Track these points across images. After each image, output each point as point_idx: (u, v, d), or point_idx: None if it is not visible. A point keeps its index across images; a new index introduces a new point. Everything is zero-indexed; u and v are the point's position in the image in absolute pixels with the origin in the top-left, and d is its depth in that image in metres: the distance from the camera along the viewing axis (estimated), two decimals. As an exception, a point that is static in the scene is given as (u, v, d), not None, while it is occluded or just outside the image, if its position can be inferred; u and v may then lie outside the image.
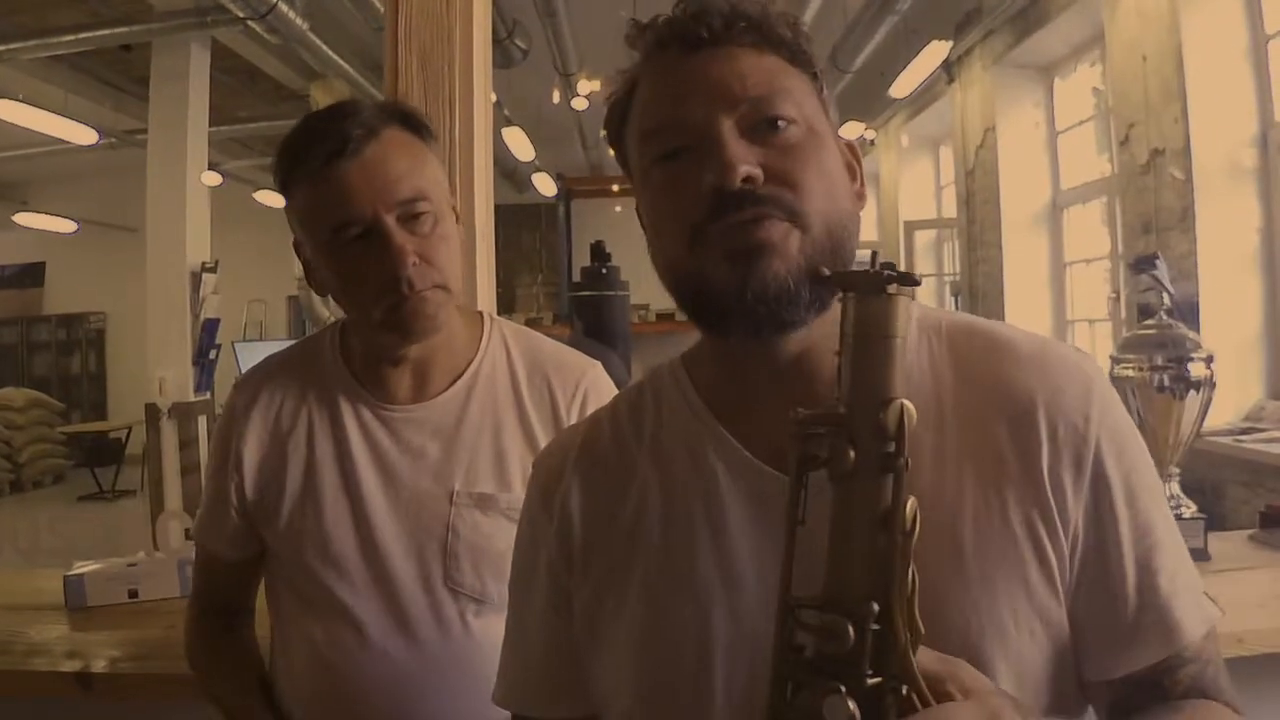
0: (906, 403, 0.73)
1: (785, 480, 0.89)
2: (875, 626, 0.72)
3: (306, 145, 1.33)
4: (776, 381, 0.91)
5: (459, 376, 1.48)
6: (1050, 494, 0.87)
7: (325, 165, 1.31)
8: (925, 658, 0.74)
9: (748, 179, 0.85)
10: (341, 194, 1.31)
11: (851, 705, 0.71)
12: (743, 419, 0.94)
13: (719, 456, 0.94)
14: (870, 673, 0.72)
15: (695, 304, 0.90)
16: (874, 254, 0.76)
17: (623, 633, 0.94)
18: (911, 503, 0.73)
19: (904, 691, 0.72)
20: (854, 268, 0.78)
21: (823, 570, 0.75)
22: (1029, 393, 0.89)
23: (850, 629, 0.72)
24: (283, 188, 1.38)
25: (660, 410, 1.00)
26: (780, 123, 0.88)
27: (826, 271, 0.80)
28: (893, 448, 0.73)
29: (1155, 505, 0.90)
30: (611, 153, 1.02)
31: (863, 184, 0.97)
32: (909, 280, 0.74)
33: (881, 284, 0.74)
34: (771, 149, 0.87)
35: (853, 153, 0.97)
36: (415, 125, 1.40)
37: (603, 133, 1.01)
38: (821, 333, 0.88)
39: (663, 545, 0.93)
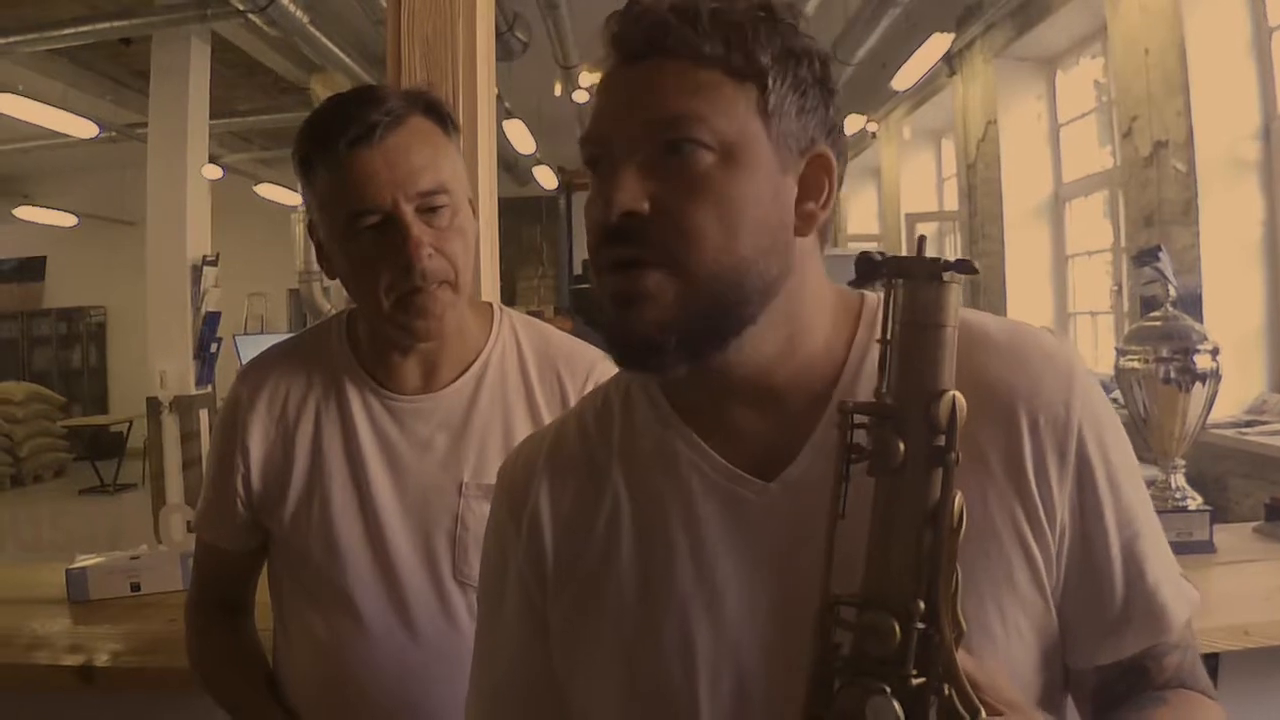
0: (958, 395, 0.71)
1: (762, 485, 0.88)
2: (920, 625, 0.70)
3: (331, 128, 1.31)
4: (740, 394, 0.89)
5: (468, 367, 1.47)
6: (1035, 489, 0.85)
7: (348, 151, 1.30)
8: (967, 665, 0.73)
9: (630, 214, 0.81)
10: (362, 181, 1.30)
11: (897, 706, 0.69)
12: (713, 424, 0.91)
13: (692, 464, 0.91)
14: (914, 673, 0.70)
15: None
16: (922, 239, 0.73)
17: (602, 650, 0.92)
18: (959, 498, 0.72)
19: (947, 692, 0.71)
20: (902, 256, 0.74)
21: (850, 567, 0.73)
22: (1008, 387, 0.87)
23: (896, 627, 0.70)
24: (303, 169, 1.37)
25: (628, 417, 0.97)
26: (686, 147, 0.82)
27: (880, 256, 0.75)
28: (943, 441, 0.71)
29: (1136, 491, 0.89)
30: None
31: (825, 202, 0.88)
32: (966, 268, 0.71)
33: (938, 271, 0.71)
34: (670, 181, 0.82)
35: (821, 165, 0.88)
36: (440, 115, 1.39)
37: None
38: (764, 337, 0.86)
39: (639, 559, 0.91)
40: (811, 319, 0.89)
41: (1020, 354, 0.89)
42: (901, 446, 0.71)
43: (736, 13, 0.85)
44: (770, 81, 0.84)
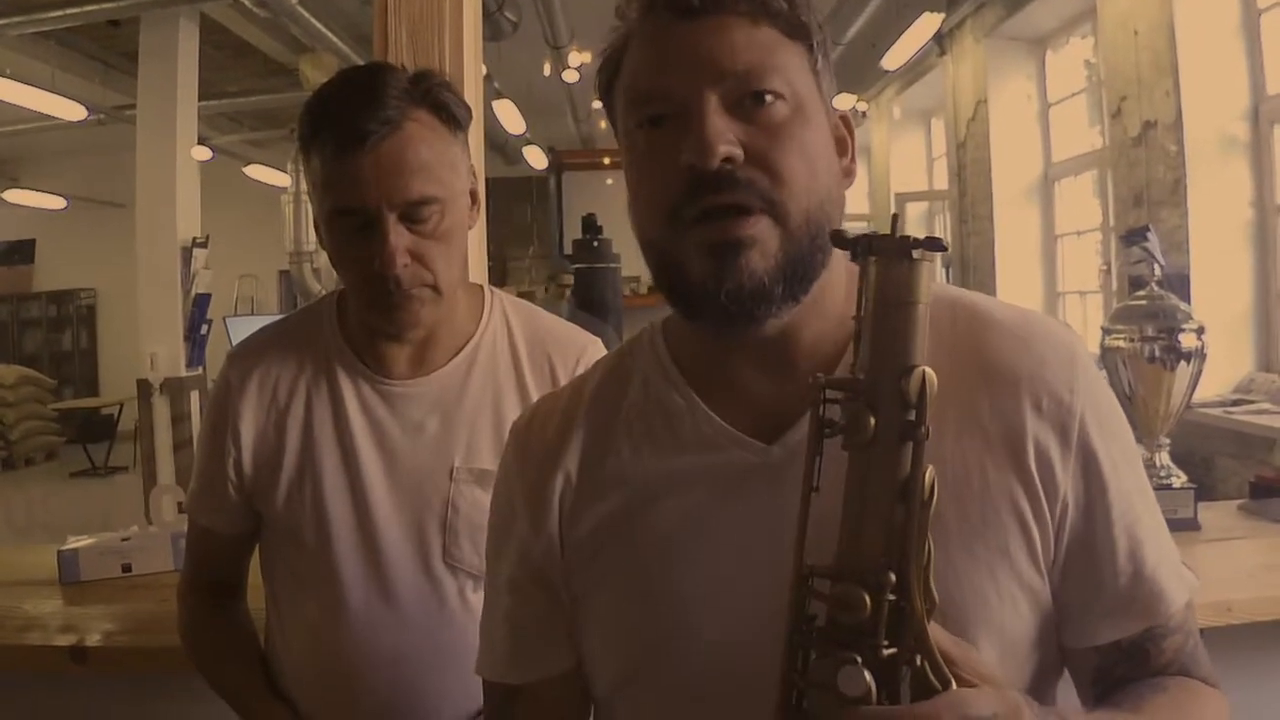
0: (928, 370, 0.72)
1: (763, 447, 0.89)
2: (891, 597, 0.71)
3: (326, 122, 1.30)
4: (754, 355, 0.90)
5: (459, 350, 1.47)
6: (1035, 468, 0.87)
7: (339, 151, 1.28)
8: (941, 639, 0.74)
9: (727, 159, 0.82)
10: (350, 182, 1.28)
11: (867, 676, 0.70)
12: (721, 390, 0.93)
13: (694, 425, 0.93)
14: (886, 643, 0.71)
15: (670, 288, 0.88)
16: (895, 218, 0.75)
17: (611, 608, 0.94)
18: (930, 472, 0.73)
19: (919, 663, 0.72)
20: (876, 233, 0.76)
21: (835, 539, 0.74)
22: (1012, 367, 0.89)
23: (867, 599, 0.71)
24: (300, 146, 1.35)
25: (639, 381, 0.99)
26: (767, 97, 0.84)
27: (849, 235, 0.76)
28: (914, 416, 0.72)
29: (1137, 476, 0.91)
30: (604, 122, 0.98)
31: (853, 158, 0.94)
32: (935, 245, 0.73)
33: (907, 249, 0.72)
34: (755, 126, 0.84)
35: (846, 126, 0.94)
36: (446, 114, 1.35)
37: (596, 104, 0.98)
38: (800, 309, 0.87)
39: (646, 521, 0.92)
40: (836, 283, 0.91)
41: (1026, 337, 0.91)
42: (872, 421, 0.72)
43: None
44: (814, 42, 0.89)
